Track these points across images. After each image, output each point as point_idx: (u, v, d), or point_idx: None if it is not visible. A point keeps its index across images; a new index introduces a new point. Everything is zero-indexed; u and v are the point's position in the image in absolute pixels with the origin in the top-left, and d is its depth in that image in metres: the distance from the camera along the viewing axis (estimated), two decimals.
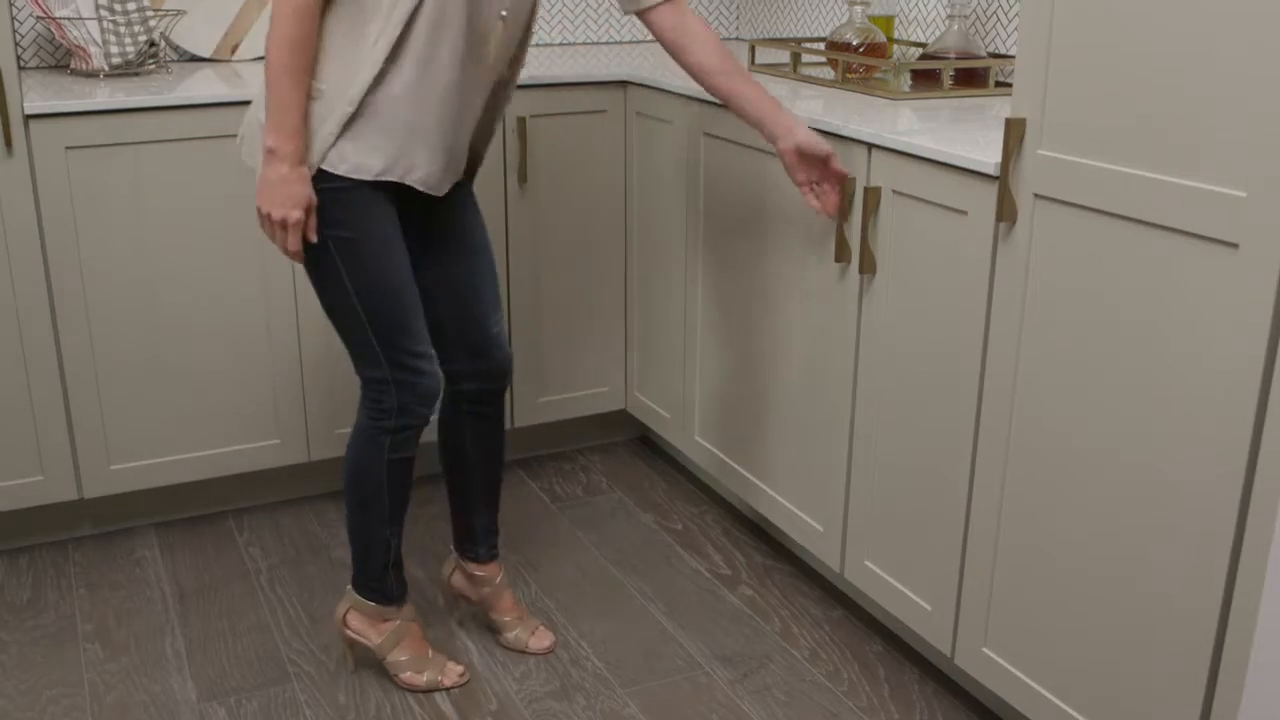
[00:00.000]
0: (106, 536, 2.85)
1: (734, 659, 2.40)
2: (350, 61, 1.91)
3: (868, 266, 2.19)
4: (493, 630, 2.45)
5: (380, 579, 2.24)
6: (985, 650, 2.05)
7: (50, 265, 2.56)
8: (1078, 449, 1.81)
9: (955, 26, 2.63)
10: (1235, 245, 1.52)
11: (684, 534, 2.86)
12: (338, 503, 3.00)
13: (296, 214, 1.93)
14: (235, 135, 2.64)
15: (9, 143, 2.46)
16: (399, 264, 2.04)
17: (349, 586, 2.28)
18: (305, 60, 1.88)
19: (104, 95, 2.57)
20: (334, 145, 1.94)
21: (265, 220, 1.96)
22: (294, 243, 1.96)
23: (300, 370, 2.83)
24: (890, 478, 2.23)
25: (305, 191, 1.93)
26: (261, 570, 2.70)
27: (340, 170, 1.95)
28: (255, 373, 2.80)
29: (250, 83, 2.76)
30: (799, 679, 2.34)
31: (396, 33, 1.88)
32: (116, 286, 2.63)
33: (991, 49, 2.76)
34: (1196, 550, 1.64)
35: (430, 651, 2.31)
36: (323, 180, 1.96)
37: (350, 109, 1.91)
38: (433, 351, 2.12)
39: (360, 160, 1.95)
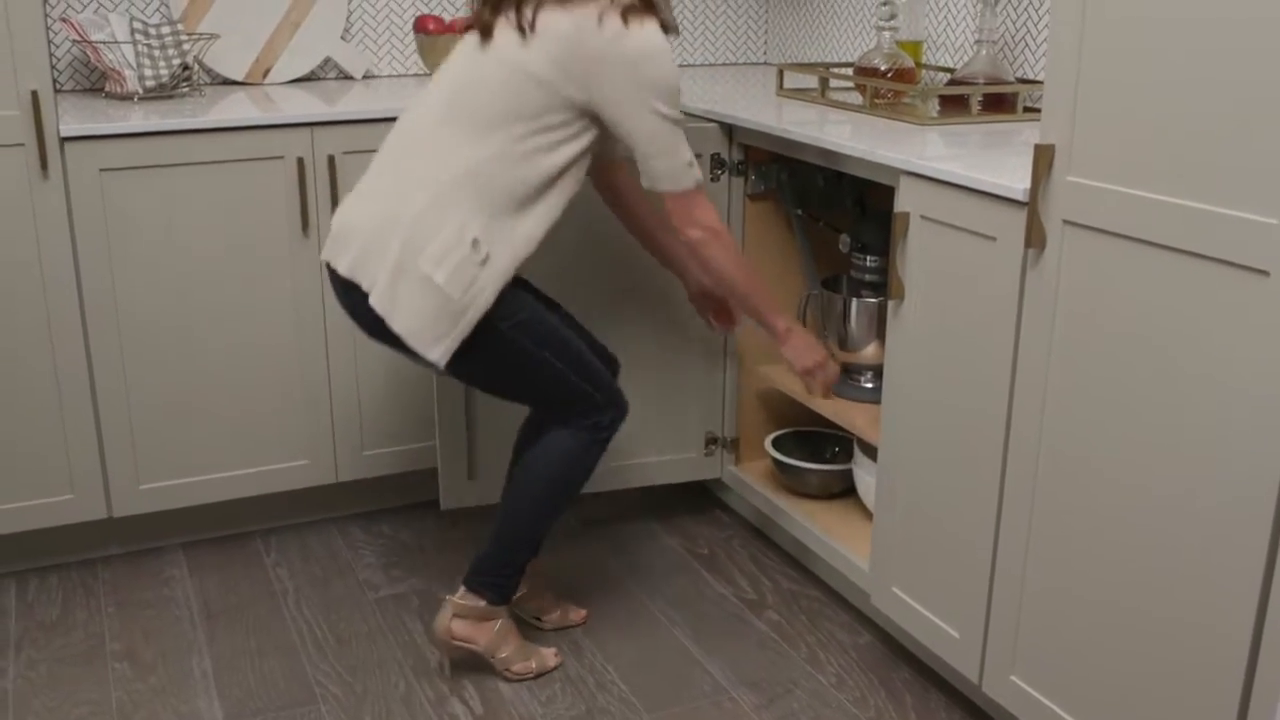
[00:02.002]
0: (135, 556, 2.86)
1: (760, 684, 2.39)
2: (519, 230, 2.18)
3: (896, 292, 2.19)
4: (532, 618, 2.56)
5: (516, 578, 2.38)
6: (1013, 678, 2.04)
7: (83, 286, 2.58)
8: (1107, 476, 1.80)
9: (984, 52, 2.63)
10: (1266, 273, 1.52)
11: (710, 559, 2.86)
12: (364, 523, 3.01)
13: (824, 353, 2.44)
14: (267, 157, 2.66)
15: (45, 165, 2.49)
16: (554, 316, 2.29)
17: (450, 598, 2.35)
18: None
19: (138, 118, 2.60)
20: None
21: (814, 370, 2.44)
22: (834, 372, 2.47)
23: (329, 391, 2.84)
24: (918, 503, 2.23)
25: (813, 337, 2.46)
26: (288, 591, 2.71)
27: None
28: (284, 394, 2.82)
29: (284, 107, 2.79)
30: (825, 705, 2.33)
31: (568, 197, 2.21)
32: (148, 307, 2.65)
33: (1020, 74, 2.76)
34: (1227, 578, 1.63)
35: (524, 641, 2.43)
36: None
37: (525, 253, 2.19)
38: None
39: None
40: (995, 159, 2.12)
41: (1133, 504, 1.76)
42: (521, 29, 2.11)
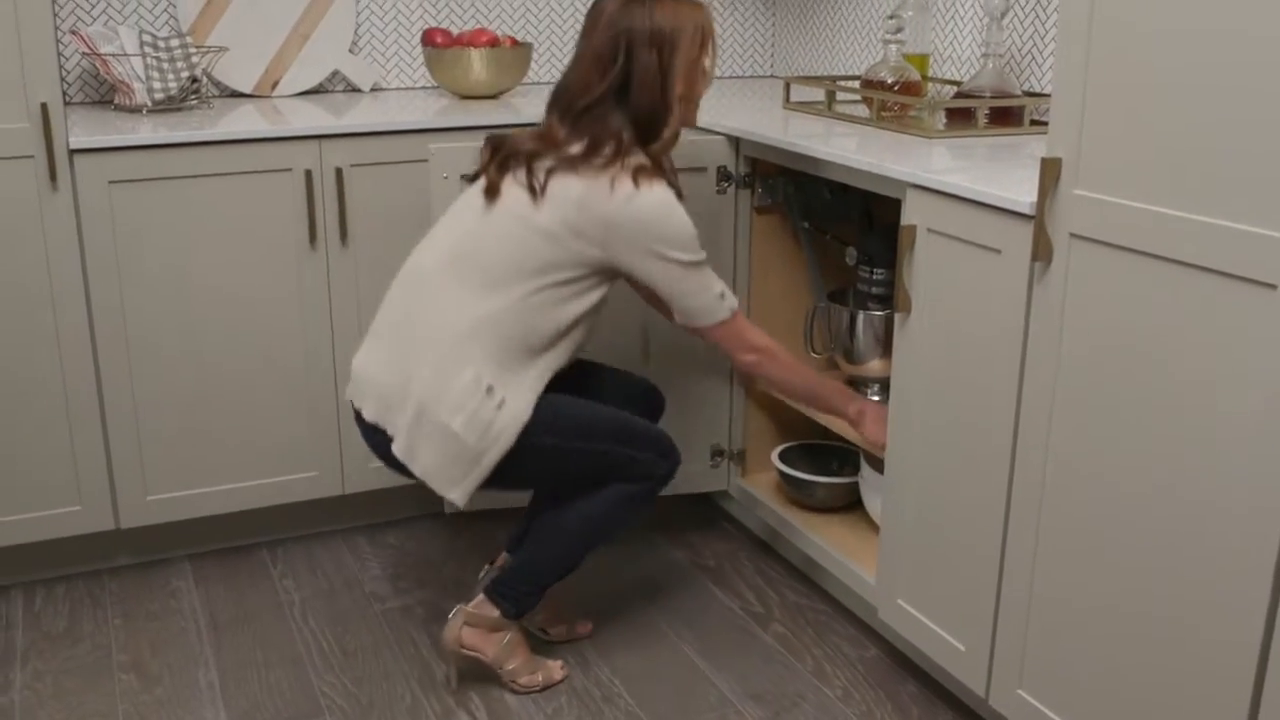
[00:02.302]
0: (142, 567, 2.87)
1: (766, 698, 2.39)
2: (532, 374, 2.22)
3: (903, 305, 2.19)
4: (538, 630, 2.54)
5: (536, 598, 2.37)
6: (1020, 692, 2.04)
7: (92, 297, 2.59)
8: (1114, 489, 1.80)
9: (990, 65, 2.64)
10: (1274, 286, 1.52)
11: (717, 571, 2.86)
12: (371, 535, 3.01)
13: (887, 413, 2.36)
14: (275, 170, 2.67)
15: (54, 177, 2.50)
16: (578, 400, 2.30)
17: (463, 607, 2.36)
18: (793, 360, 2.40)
19: (147, 130, 2.61)
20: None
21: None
22: None
23: (336, 402, 2.85)
24: (925, 516, 2.22)
25: (877, 403, 2.48)
26: (295, 602, 2.72)
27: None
28: (292, 405, 2.82)
29: (292, 119, 2.79)
30: (831, 719, 2.32)
31: (585, 336, 2.29)
32: (156, 319, 2.65)
33: (1027, 87, 2.76)
34: (1235, 592, 1.62)
35: (531, 654, 2.43)
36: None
37: (541, 389, 2.23)
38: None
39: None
40: (1002, 172, 2.12)
41: (1140, 517, 1.76)
42: (533, 189, 2.16)
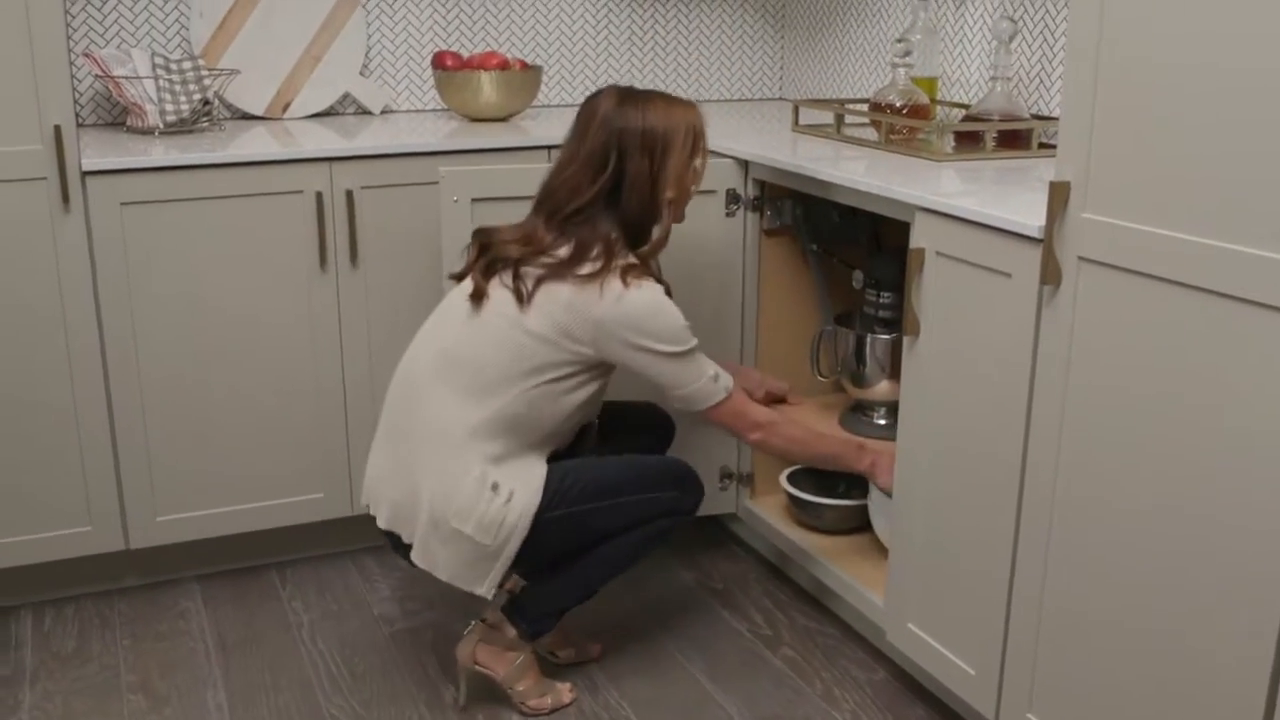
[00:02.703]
0: (151, 588, 2.87)
1: None
2: (537, 459, 2.25)
3: (910, 328, 2.19)
4: (547, 653, 2.54)
5: (554, 621, 2.38)
6: (1029, 716, 2.03)
7: (103, 318, 2.60)
8: (1123, 513, 1.79)
9: (998, 88, 2.64)
10: None
11: (726, 594, 2.85)
12: (379, 557, 3.01)
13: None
14: (286, 192, 2.68)
15: (66, 199, 2.51)
16: (585, 460, 2.32)
17: (476, 623, 2.38)
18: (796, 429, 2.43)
19: (159, 152, 2.63)
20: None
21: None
22: None
23: (345, 424, 2.85)
24: (933, 540, 2.22)
25: (887, 446, 2.40)
26: (304, 624, 2.71)
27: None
28: (301, 427, 2.82)
29: (303, 142, 2.81)
30: None
31: (582, 420, 2.33)
32: (167, 340, 2.66)
33: (1035, 110, 2.77)
34: (1245, 616, 1.62)
35: (542, 676, 2.43)
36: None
37: (543, 474, 2.25)
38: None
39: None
40: (1010, 195, 2.12)
41: (1150, 541, 1.76)
42: (519, 294, 2.17)
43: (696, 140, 2.24)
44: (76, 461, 2.65)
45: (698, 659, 2.58)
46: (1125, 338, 1.75)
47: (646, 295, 2.17)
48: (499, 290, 2.20)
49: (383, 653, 2.60)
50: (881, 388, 2.64)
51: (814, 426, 2.56)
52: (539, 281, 2.17)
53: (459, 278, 2.31)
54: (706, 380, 2.25)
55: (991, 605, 2.08)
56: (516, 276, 2.18)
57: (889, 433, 2.59)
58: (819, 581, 2.73)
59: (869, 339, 2.62)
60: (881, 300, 2.63)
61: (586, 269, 2.16)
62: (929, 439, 2.19)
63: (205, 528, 2.80)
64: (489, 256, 2.23)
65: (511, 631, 2.35)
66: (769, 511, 2.90)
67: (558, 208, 2.21)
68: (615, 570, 2.35)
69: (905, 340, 2.22)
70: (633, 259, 2.20)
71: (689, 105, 2.25)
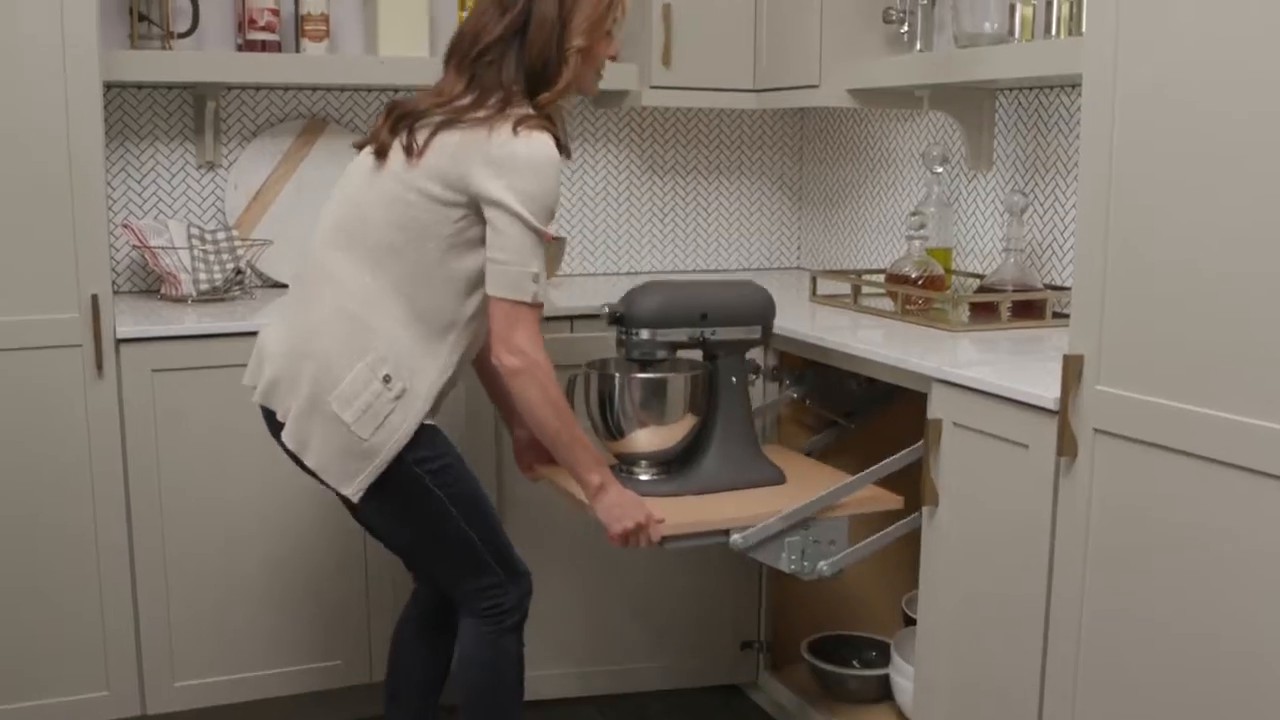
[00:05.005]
0: None
1: None
2: (436, 358, 2.14)
3: (929, 499, 2.20)
4: None
5: None
6: None
7: (130, 483, 2.63)
8: (1146, 684, 1.78)
9: (1012, 259, 2.70)
10: None
11: None
12: None
13: (644, 512, 2.18)
14: None
15: (100, 365, 2.56)
16: (476, 475, 2.22)
17: None
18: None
19: (191, 320, 2.69)
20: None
21: (623, 536, 2.17)
22: (655, 532, 2.18)
23: (366, 591, 2.85)
24: (956, 711, 2.19)
25: (634, 495, 2.21)
26: None
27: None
28: (319, 594, 2.82)
29: None
30: None
31: (468, 338, 2.18)
32: (192, 506, 2.69)
33: (1048, 280, 2.81)
34: None
35: None
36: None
37: (441, 385, 2.15)
38: None
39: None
40: (1026, 365, 2.15)
41: (1174, 712, 1.74)
42: (409, 149, 2.08)
43: (613, 1, 2.17)
44: (97, 625, 2.65)
45: None
46: (1144, 508, 1.76)
47: (534, 146, 2.05)
48: (396, 149, 2.11)
49: None
50: (639, 437, 2.35)
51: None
52: (434, 132, 2.07)
53: (361, 145, 2.22)
54: (526, 272, 2.07)
55: None
56: (410, 131, 2.08)
57: (655, 488, 2.35)
58: None
59: (621, 381, 2.33)
60: (635, 338, 2.33)
61: (481, 114, 2.07)
62: (950, 607, 2.18)
63: (223, 694, 2.78)
64: (395, 114, 2.13)
65: None
66: (790, 681, 2.87)
67: (466, 51, 2.13)
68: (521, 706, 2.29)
69: (924, 510, 2.23)
70: (529, 110, 2.09)
71: None
